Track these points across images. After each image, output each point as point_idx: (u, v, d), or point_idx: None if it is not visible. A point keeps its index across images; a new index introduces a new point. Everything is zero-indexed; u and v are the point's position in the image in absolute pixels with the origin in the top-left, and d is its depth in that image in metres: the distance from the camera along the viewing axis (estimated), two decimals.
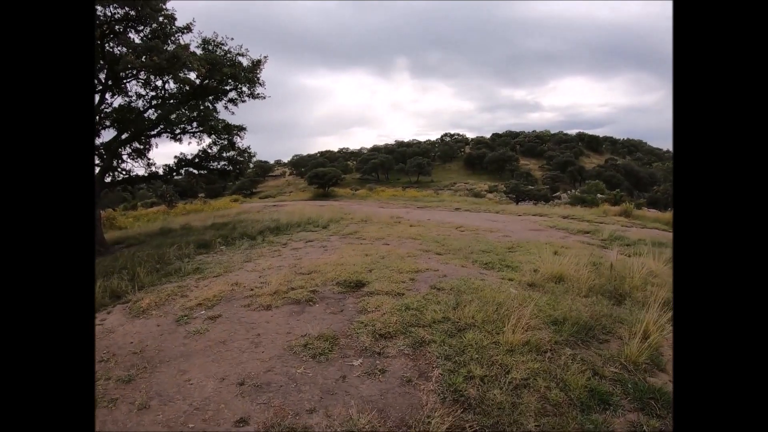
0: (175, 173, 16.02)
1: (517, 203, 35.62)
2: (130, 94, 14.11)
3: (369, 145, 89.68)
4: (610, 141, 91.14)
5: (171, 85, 14.17)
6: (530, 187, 45.33)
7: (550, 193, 44.91)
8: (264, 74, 14.87)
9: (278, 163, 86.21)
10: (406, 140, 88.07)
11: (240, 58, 14.00)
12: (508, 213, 19.91)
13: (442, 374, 3.86)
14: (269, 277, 7.30)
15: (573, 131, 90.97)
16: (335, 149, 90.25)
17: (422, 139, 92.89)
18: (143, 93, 14.28)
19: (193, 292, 6.96)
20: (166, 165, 15.76)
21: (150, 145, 15.76)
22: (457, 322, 4.85)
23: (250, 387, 3.94)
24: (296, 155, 79.72)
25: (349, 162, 73.93)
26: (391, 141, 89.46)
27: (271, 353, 4.54)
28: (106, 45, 11.70)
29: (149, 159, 15.79)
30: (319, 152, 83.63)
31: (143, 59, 11.09)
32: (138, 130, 14.02)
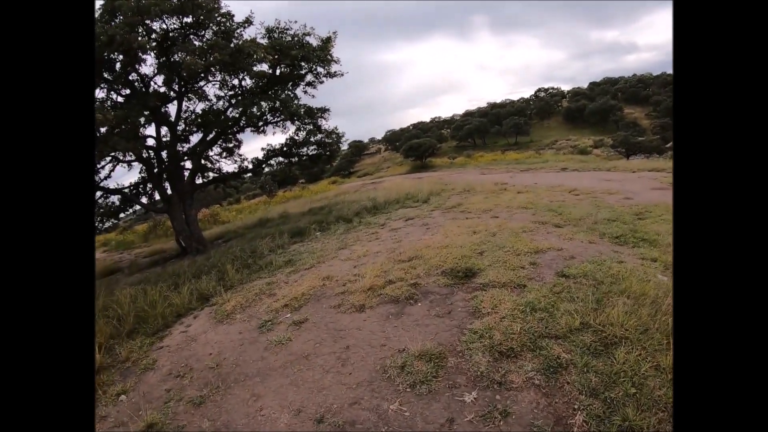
0: (264, 165, 15.74)
1: (627, 158, 32.47)
2: (210, 98, 13.99)
3: (461, 111, 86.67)
4: None
5: (247, 81, 13.88)
6: (640, 138, 41.10)
7: (663, 143, 40.57)
8: (341, 54, 14.04)
9: (372, 140, 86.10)
10: (498, 101, 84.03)
11: (307, 39, 13.16)
12: (621, 170, 17.73)
13: (586, 421, 2.71)
14: (364, 267, 6.50)
15: None
16: (427, 119, 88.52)
17: (515, 98, 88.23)
18: (222, 94, 14.10)
19: (282, 289, 6.41)
20: (254, 158, 15.55)
21: (239, 142, 15.74)
22: (602, 332, 3.60)
23: (330, 427, 3.09)
24: (389, 130, 78.99)
25: (442, 131, 72.11)
26: (482, 104, 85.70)
27: (360, 377, 3.65)
28: (170, 56, 11.38)
29: (241, 155, 15.76)
30: (411, 125, 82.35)
31: (204, 59, 10.60)
32: (221, 130, 13.79)
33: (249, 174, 15.93)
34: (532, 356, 3.42)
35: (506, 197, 11.46)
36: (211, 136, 14.14)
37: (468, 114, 79.09)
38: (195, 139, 14.30)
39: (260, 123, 14.49)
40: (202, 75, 12.44)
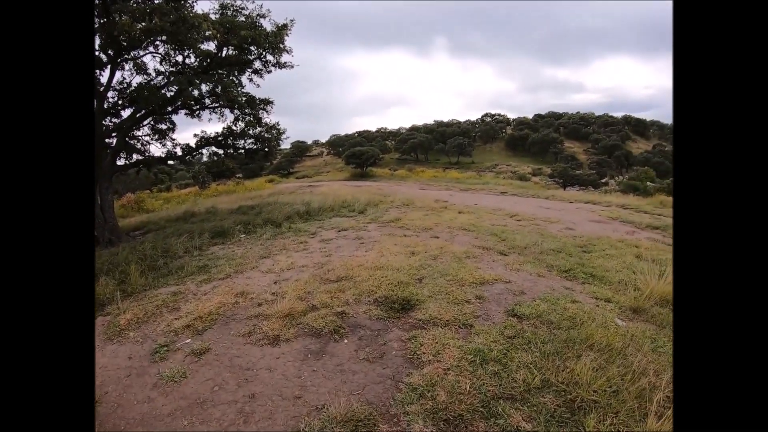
0: (195, 153, 14.42)
1: (564, 188, 33.35)
2: (149, 71, 12.78)
3: (407, 125, 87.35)
4: (657, 125, 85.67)
5: (192, 60, 12.70)
6: (578, 171, 42.64)
7: (598, 178, 42.21)
8: (301, 56, 13.19)
9: (316, 143, 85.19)
10: (445, 120, 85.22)
11: (262, 21, 12.20)
12: (558, 199, 17.84)
13: None
14: (286, 283, 5.64)
15: (618, 114, 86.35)
16: (373, 129, 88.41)
17: (462, 119, 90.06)
18: (162, 69, 12.77)
19: (188, 303, 5.39)
20: (185, 144, 14.21)
21: (173, 125, 14.28)
22: (566, 393, 2.95)
23: None
24: (334, 135, 78.30)
25: (387, 142, 72.05)
26: (429, 121, 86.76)
27: None
28: (110, 16, 10.07)
29: (173, 139, 14.30)
30: (357, 132, 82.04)
31: (142, 24, 9.38)
32: (151, 108, 12.43)
33: (177, 161, 14.47)
34: (485, 426, 2.70)
35: (447, 216, 10.90)
36: (142, 113, 12.71)
37: (414, 129, 79.61)
38: (126, 115, 12.88)
39: (196, 106, 13.25)
40: (143, 43, 11.16)
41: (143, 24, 9.43)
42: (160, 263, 7.67)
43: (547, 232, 9.15)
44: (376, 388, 3.18)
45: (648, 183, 31.09)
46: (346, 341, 3.94)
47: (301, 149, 74.66)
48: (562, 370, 3.17)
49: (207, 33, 10.50)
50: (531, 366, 3.23)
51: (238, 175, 53.54)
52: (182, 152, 14.15)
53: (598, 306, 4.71)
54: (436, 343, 3.67)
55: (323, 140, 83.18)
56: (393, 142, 70.67)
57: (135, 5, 9.82)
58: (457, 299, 4.63)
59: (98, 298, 5.84)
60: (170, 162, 14.47)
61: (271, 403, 3.13)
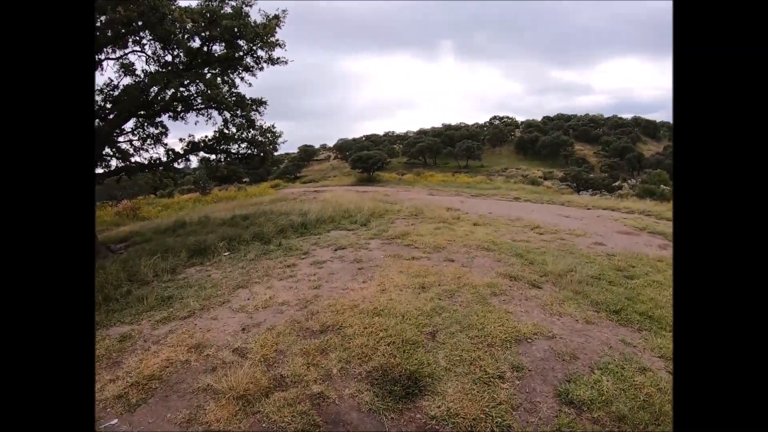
0: (182, 159, 13.11)
1: (578, 192, 31.99)
2: (137, 72, 11.59)
3: (415, 129, 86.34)
4: (668, 127, 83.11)
5: (183, 59, 11.48)
6: (592, 175, 41.29)
7: (611, 182, 40.86)
8: (308, 59, 12.15)
9: (323, 147, 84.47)
10: (453, 123, 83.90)
11: (247, 9, 10.83)
12: (576, 205, 16.27)
13: None
14: (256, 333, 4.34)
15: (627, 115, 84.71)
16: (381, 133, 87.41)
17: (470, 122, 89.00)
18: (151, 70, 11.48)
19: (134, 355, 4.23)
20: (170, 150, 12.93)
21: (166, 129, 13.06)
22: None
23: None
24: (341, 139, 77.41)
25: (395, 146, 70.99)
26: (437, 124, 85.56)
27: None
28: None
29: (166, 145, 13.16)
30: (364, 136, 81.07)
31: (105, 17, 8.10)
32: (131, 110, 11.19)
33: (161, 168, 13.17)
34: None
35: (461, 230, 9.47)
36: (123, 117, 11.50)
37: (422, 132, 78.69)
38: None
39: (180, 108, 12.00)
40: (115, 39, 9.93)
41: (105, 16, 8.14)
42: (121, 291, 6.38)
43: (576, 250, 7.77)
44: None
45: (662, 186, 29.80)
46: None
47: (308, 153, 74.14)
48: None
49: (177, 22, 9.20)
50: None
51: (244, 180, 52.80)
52: (167, 158, 12.87)
53: (671, 373, 3.35)
54: None
55: (331, 144, 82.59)
56: (401, 146, 69.73)
57: None
58: (486, 374, 3.25)
59: None
60: (158, 169, 13.15)
61: None
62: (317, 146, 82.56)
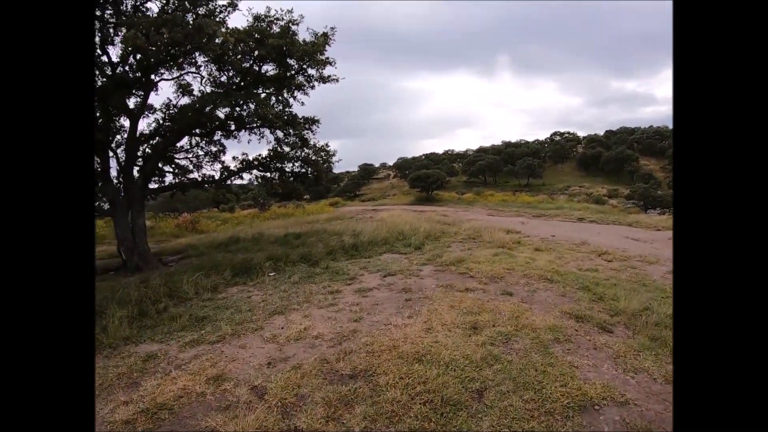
0: (235, 176, 13.10)
1: (645, 211, 30.11)
2: (194, 92, 11.87)
3: (474, 147, 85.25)
4: None
5: (236, 80, 11.57)
6: (660, 192, 38.85)
7: None
8: (366, 78, 12.09)
9: (383, 165, 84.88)
10: (513, 140, 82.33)
11: (294, 28, 10.71)
12: (644, 226, 15.26)
13: None
14: (280, 370, 3.93)
15: None
16: (440, 151, 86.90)
17: (530, 138, 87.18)
18: (208, 90, 11.63)
19: (153, 378, 4.04)
20: (223, 167, 12.96)
21: (224, 147, 13.27)
22: None
23: None
24: (401, 158, 77.46)
25: (454, 164, 70.31)
26: (497, 141, 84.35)
27: None
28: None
29: (223, 162, 13.31)
30: (423, 154, 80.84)
31: (148, 36, 8.03)
32: (183, 129, 11.29)
33: (213, 185, 13.24)
34: None
35: (522, 256, 8.73)
36: (175, 135, 11.70)
37: (481, 150, 77.62)
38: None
39: (233, 126, 12.00)
40: (166, 61, 9.99)
41: (149, 36, 8.09)
42: (158, 307, 6.20)
43: (650, 281, 6.88)
44: None
45: None
46: None
47: (367, 171, 74.73)
48: None
49: (219, 40, 9.13)
50: None
51: (305, 197, 53.61)
52: (221, 175, 12.87)
53: None
54: None
55: (390, 162, 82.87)
56: (460, 164, 68.98)
57: (144, 18, 8.56)
58: None
59: None
60: (211, 185, 13.23)
61: None
62: (377, 165, 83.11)
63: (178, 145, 12.51)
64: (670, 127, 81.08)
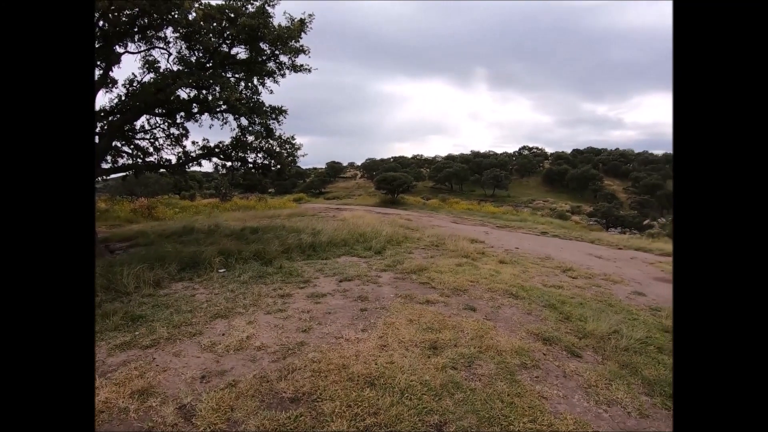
0: (194, 163, 12.39)
1: (607, 229, 30.81)
2: (161, 69, 10.97)
3: (444, 154, 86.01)
4: None
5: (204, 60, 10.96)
6: (623, 213, 39.86)
7: (642, 220, 39.31)
8: (344, 77, 11.40)
9: (351, 165, 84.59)
10: (482, 151, 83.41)
11: (270, 10, 10.09)
12: (606, 244, 15.29)
13: None
14: (215, 387, 3.46)
15: (658, 151, 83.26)
16: (409, 155, 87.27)
17: (499, 150, 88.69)
18: (175, 69, 10.92)
19: None
20: (183, 152, 12.24)
21: (186, 131, 12.57)
22: None
23: None
24: (369, 158, 77.39)
25: (422, 169, 70.57)
26: (466, 151, 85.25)
27: None
28: None
29: (184, 147, 12.54)
30: (392, 157, 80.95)
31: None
32: (141, 108, 10.57)
33: (169, 170, 12.50)
34: None
35: (486, 268, 8.40)
36: (133, 114, 10.92)
37: (450, 157, 78.41)
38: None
39: (195, 108, 11.31)
40: (134, 31, 9.32)
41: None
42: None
43: (616, 301, 6.66)
44: None
45: None
46: None
47: (335, 170, 74.40)
48: None
49: (192, 17, 8.55)
50: None
51: (270, 190, 52.66)
52: (178, 160, 12.16)
53: None
54: None
55: (359, 163, 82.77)
56: (428, 170, 69.25)
57: None
58: None
59: None
60: (167, 170, 12.49)
61: None
62: (345, 164, 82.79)
63: (139, 125, 11.81)
64: (636, 150, 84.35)
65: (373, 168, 66.96)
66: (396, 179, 36.40)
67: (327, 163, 76.43)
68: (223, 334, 4.58)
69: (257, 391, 3.33)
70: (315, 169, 76.91)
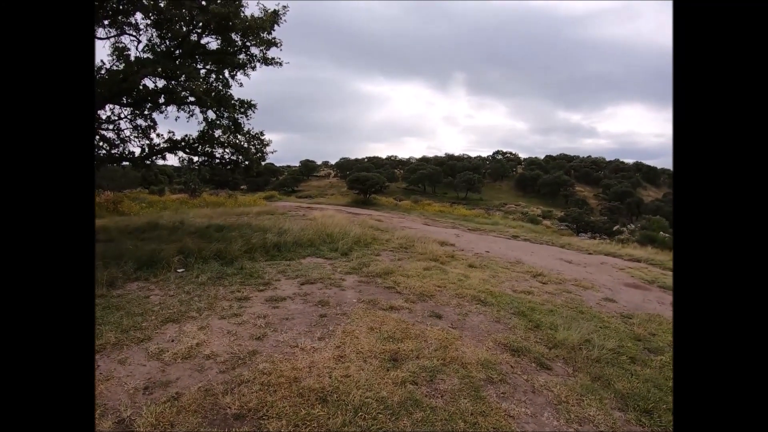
0: (157, 155, 11.88)
1: (577, 234, 31.24)
2: (130, 56, 10.53)
3: (418, 155, 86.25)
4: (668, 174, 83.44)
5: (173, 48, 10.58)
6: (593, 218, 40.53)
7: (612, 225, 40.14)
8: (319, 75, 11.08)
9: (325, 164, 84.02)
10: (456, 154, 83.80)
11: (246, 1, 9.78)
12: (576, 248, 15.27)
13: None
14: (156, 400, 3.20)
15: (629, 160, 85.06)
16: (384, 156, 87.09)
17: (473, 154, 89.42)
18: (146, 57, 10.41)
19: None
20: (144, 145, 11.73)
21: (154, 123, 11.98)
22: None
23: None
24: (343, 158, 76.90)
25: (396, 170, 70.45)
26: (441, 153, 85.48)
27: None
28: None
29: (152, 140, 11.97)
30: (366, 157, 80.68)
31: None
32: (105, 96, 10.01)
33: (131, 164, 11.96)
34: None
35: (455, 272, 8.21)
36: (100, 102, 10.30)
37: (424, 159, 78.46)
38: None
39: (161, 100, 10.84)
40: (103, 15, 8.88)
41: None
42: None
43: (586, 308, 6.55)
44: None
45: (662, 233, 29.07)
46: None
47: (308, 168, 73.72)
48: None
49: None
50: None
51: (242, 187, 51.85)
52: (142, 153, 11.65)
53: None
54: None
55: (333, 161, 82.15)
56: (402, 171, 69.19)
57: None
58: None
59: None
60: (131, 163, 11.95)
61: None
62: (319, 162, 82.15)
63: (104, 115, 11.24)
64: (608, 159, 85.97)
65: (347, 167, 66.57)
66: (369, 179, 36.13)
67: (301, 161, 75.81)
68: (173, 341, 4.27)
69: (200, 406, 3.05)
70: (289, 167, 76.16)
